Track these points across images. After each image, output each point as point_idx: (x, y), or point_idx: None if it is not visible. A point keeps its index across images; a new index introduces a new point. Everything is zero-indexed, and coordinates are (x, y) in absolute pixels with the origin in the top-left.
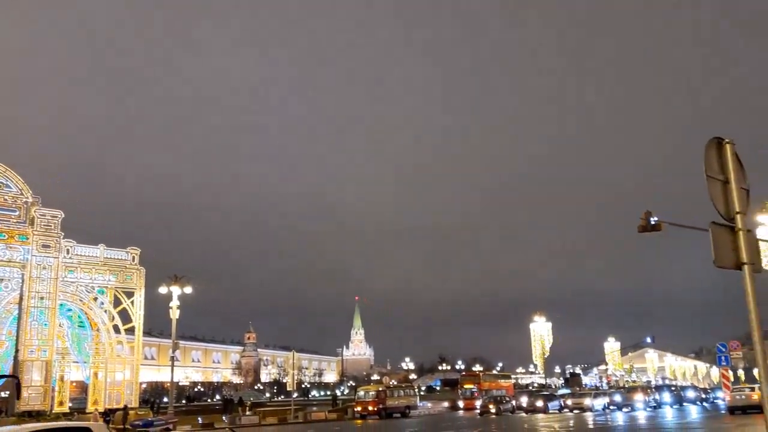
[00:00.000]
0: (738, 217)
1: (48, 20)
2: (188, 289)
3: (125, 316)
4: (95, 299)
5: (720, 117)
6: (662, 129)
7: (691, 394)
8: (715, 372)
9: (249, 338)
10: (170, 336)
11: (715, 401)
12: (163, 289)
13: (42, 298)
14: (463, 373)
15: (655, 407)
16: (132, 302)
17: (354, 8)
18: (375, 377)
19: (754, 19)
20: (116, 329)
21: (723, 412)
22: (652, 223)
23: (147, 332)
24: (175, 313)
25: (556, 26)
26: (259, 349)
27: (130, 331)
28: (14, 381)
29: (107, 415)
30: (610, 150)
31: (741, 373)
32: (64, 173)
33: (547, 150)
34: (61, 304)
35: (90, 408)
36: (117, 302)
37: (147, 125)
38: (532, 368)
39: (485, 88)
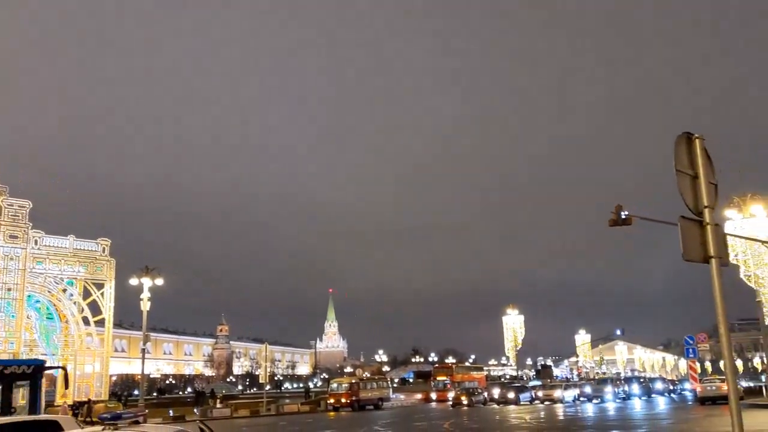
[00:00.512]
0: (706, 211)
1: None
2: (159, 281)
3: (95, 308)
4: (64, 291)
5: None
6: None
7: (659, 385)
8: (683, 364)
9: (221, 330)
10: (141, 328)
11: (682, 392)
12: (133, 281)
13: (9, 290)
14: (436, 365)
15: (624, 399)
16: (102, 294)
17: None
18: (348, 369)
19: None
20: (86, 321)
21: (690, 403)
22: (623, 217)
23: (117, 324)
24: (146, 305)
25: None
26: (231, 342)
27: (100, 323)
28: (63, 371)
29: (76, 408)
30: (594, 147)
31: (708, 365)
32: (34, 163)
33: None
34: (29, 296)
35: (59, 401)
36: (87, 294)
37: (124, 115)
38: (504, 360)
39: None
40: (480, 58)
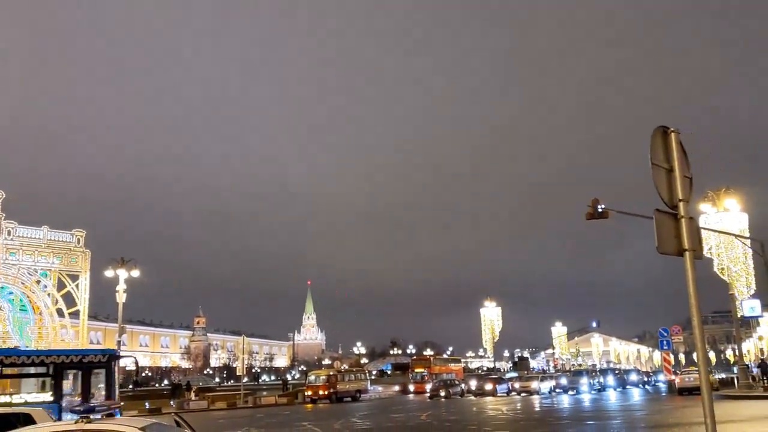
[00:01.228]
0: (681, 204)
1: None
2: (135, 273)
3: (70, 300)
4: (38, 282)
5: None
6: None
7: (634, 377)
8: (657, 356)
9: (198, 322)
10: (117, 320)
11: (656, 384)
12: (109, 273)
13: None
14: (414, 357)
15: (599, 390)
16: (77, 285)
17: None
18: (326, 362)
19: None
20: (60, 313)
21: (664, 394)
22: (600, 210)
23: (93, 316)
24: (121, 297)
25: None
26: (208, 334)
27: (75, 315)
28: (134, 360)
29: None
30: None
31: (682, 356)
32: (7, 153)
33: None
34: (1, 287)
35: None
36: (61, 285)
37: (100, 103)
38: (481, 352)
39: (445, 74)
40: (441, 49)
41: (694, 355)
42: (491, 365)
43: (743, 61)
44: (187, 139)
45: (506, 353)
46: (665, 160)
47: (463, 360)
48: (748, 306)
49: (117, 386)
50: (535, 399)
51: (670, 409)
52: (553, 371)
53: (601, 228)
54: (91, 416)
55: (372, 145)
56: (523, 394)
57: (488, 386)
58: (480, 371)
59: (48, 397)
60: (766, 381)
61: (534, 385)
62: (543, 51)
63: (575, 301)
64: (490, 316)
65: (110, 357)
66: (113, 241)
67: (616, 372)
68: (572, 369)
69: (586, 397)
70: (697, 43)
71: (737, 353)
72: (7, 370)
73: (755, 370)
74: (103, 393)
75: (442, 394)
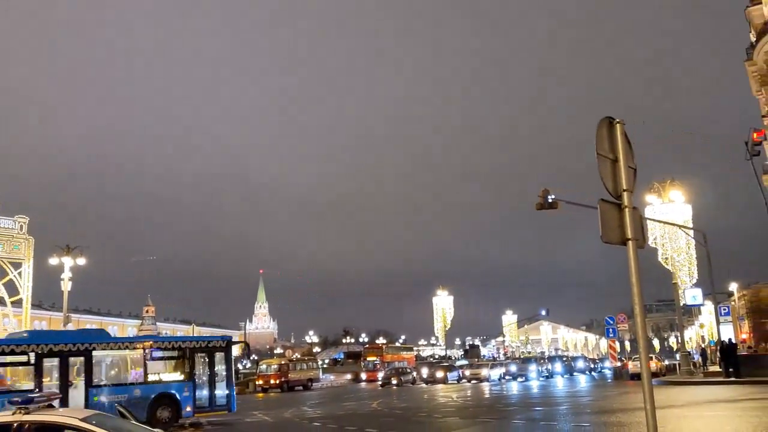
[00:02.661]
0: (625, 194)
1: None
2: (81, 261)
3: (12, 288)
4: None
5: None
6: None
7: (580, 364)
8: (603, 343)
9: (147, 311)
10: (62, 309)
11: (602, 371)
12: (53, 260)
13: None
14: (367, 345)
15: (547, 377)
16: (20, 273)
17: None
18: (278, 351)
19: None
20: (2, 302)
21: (610, 381)
22: (549, 201)
23: (37, 305)
24: (66, 285)
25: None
26: (158, 323)
27: (18, 303)
28: (246, 344)
29: None
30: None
31: (627, 344)
32: None
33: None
34: None
35: None
36: (3, 273)
37: (51, 91)
38: (434, 340)
39: (401, 64)
40: (397, 35)
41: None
42: (443, 353)
43: (687, 56)
44: (139, 122)
45: (458, 341)
46: (610, 150)
47: (415, 348)
48: (690, 295)
49: (233, 367)
50: (485, 386)
51: (615, 395)
52: (504, 359)
53: (553, 217)
54: (30, 407)
55: (326, 136)
56: (473, 382)
57: (439, 374)
58: (432, 359)
59: (180, 376)
60: (706, 367)
61: (484, 372)
62: (496, 46)
63: (526, 290)
64: (443, 304)
65: (228, 342)
66: (59, 228)
67: (564, 359)
68: (522, 356)
69: (535, 384)
70: (642, 37)
71: (680, 340)
72: (156, 354)
73: (696, 357)
74: (224, 372)
75: (394, 382)
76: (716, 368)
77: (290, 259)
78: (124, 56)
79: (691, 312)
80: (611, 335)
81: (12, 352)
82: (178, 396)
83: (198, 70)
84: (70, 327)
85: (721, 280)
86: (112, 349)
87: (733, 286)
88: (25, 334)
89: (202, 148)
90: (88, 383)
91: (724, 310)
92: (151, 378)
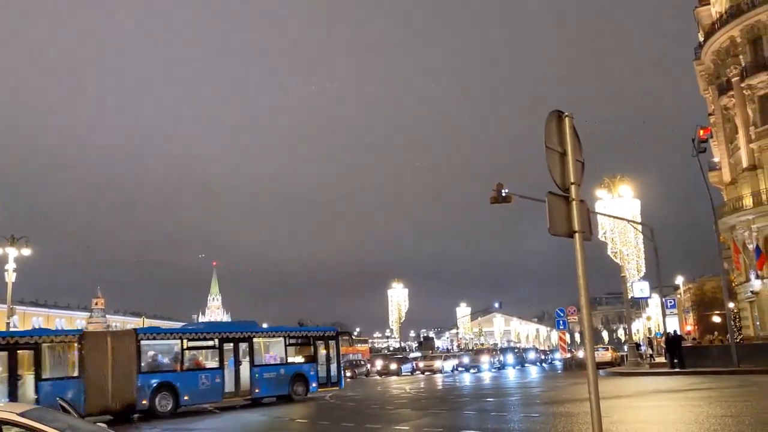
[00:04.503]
0: (573, 187)
1: None
2: (27, 251)
3: None
4: None
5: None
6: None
7: (532, 355)
8: (555, 335)
9: (97, 303)
10: (6, 301)
11: (553, 362)
12: None
13: None
14: None
15: (499, 368)
16: None
17: None
18: None
19: None
20: None
21: (560, 371)
22: (503, 195)
23: None
24: (11, 277)
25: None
26: (108, 316)
27: None
28: (349, 335)
29: None
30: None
31: (577, 336)
32: None
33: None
34: None
35: None
36: None
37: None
38: (388, 333)
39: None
40: (365, 26)
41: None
42: (397, 345)
43: (639, 53)
44: (89, 109)
45: (412, 333)
46: (559, 143)
47: (370, 340)
48: (638, 287)
49: (340, 354)
50: (438, 378)
51: (564, 385)
52: (457, 351)
53: (507, 211)
54: None
55: (283, 128)
56: (426, 373)
57: (393, 366)
58: (386, 351)
59: (306, 359)
60: (653, 358)
61: (437, 364)
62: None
63: (480, 283)
64: (397, 297)
65: (337, 332)
66: (2, 218)
67: (516, 351)
68: (475, 348)
69: (487, 375)
70: (596, 31)
71: (628, 332)
72: (291, 341)
73: (643, 348)
74: (335, 356)
75: (348, 374)
76: (662, 359)
77: (246, 252)
78: (76, 35)
79: (639, 304)
80: (562, 327)
81: (204, 338)
82: (307, 375)
83: (148, 50)
84: (15, 319)
85: (668, 273)
86: (265, 337)
87: (680, 280)
88: (201, 324)
89: (153, 141)
90: (252, 363)
91: (671, 302)
92: (289, 360)
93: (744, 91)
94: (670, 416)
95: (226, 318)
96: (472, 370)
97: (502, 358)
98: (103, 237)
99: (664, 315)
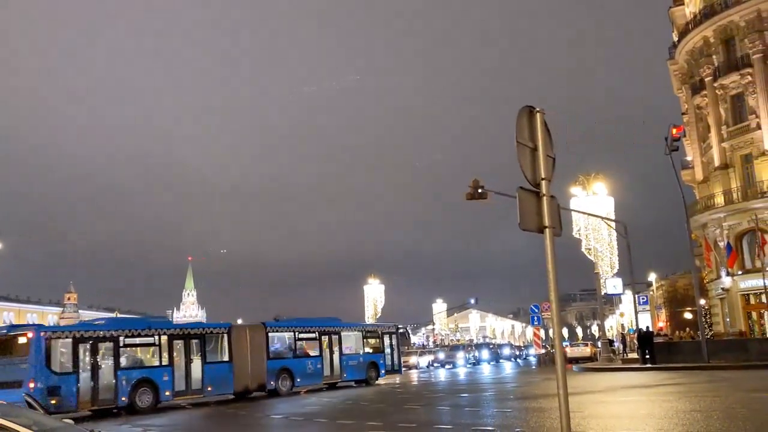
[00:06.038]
0: (543, 183)
1: None
2: None
3: None
4: None
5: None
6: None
7: (506, 351)
8: (530, 331)
9: (69, 299)
10: None
11: (527, 357)
12: None
13: None
14: None
15: (474, 364)
16: None
17: None
18: None
19: None
20: None
21: (534, 367)
22: (480, 191)
23: None
24: None
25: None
26: (80, 311)
27: None
28: (407, 330)
29: None
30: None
31: (552, 331)
32: None
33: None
34: None
35: None
36: None
37: None
38: None
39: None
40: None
41: (565, 331)
42: None
43: (615, 52)
44: (60, 100)
45: None
46: (530, 139)
47: None
48: (611, 284)
49: (401, 347)
50: (414, 373)
51: (538, 381)
52: (433, 346)
53: (484, 207)
54: None
55: (259, 120)
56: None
57: None
58: None
59: (376, 350)
60: (626, 354)
61: (413, 359)
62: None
63: (456, 279)
64: (373, 293)
65: (397, 327)
66: None
67: (491, 346)
68: (450, 344)
69: (462, 371)
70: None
71: (601, 328)
72: (366, 334)
73: (617, 344)
74: (396, 347)
75: None
76: (635, 355)
77: (222, 246)
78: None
79: (612, 301)
80: (536, 323)
81: (310, 331)
82: (378, 362)
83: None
84: None
85: (641, 270)
86: (349, 330)
87: (652, 277)
88: (293, 320)
89: (132, 131)
90: (340, 353)
91: (643, 299)
92: (365, 350)
93: (717, 91)
94: (640, 411)
95: (201, 314)
96: (447, 366)
97: (477, 354)
98: (79, 229)
99: (636, 311)
